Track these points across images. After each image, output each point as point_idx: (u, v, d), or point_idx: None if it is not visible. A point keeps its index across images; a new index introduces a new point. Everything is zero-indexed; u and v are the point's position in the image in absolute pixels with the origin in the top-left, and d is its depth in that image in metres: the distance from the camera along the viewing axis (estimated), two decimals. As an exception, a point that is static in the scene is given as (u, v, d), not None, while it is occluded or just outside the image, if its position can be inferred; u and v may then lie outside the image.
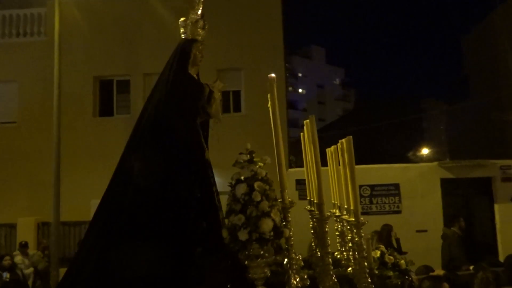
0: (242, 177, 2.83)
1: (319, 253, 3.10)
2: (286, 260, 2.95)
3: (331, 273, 2.83)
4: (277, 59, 12.95)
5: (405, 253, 7.65)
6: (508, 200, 10.66)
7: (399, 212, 10.84)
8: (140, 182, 2.98)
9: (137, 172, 3.01)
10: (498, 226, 10.65)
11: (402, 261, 3.13)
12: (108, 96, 13.32)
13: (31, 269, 9.70)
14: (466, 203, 10.99)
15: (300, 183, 11.21)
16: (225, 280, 2.74)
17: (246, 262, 2.74)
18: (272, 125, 3.08)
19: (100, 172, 12.47)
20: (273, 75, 3.13)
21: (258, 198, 2.70)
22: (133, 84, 13.18)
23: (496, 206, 10.86)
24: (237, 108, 13.28)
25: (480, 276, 3.47)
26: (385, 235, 7.98)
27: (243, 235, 2.68)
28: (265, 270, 2.75)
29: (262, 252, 2.73)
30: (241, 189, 2.74)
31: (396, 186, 11.03)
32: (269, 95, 3.27)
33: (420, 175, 11.14)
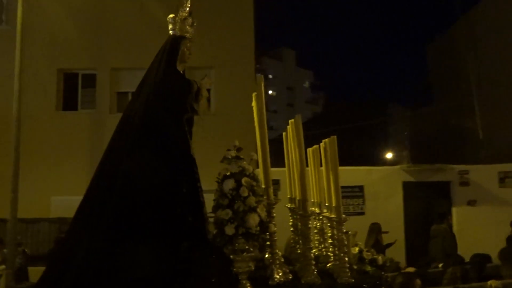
0: (229, 173, 2.86)
1: (299, 249, 3.17)
2: (267, 255, 3.02)
3: (313, 267, 2.91)
4: (248, 59, 13.01)
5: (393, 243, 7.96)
6: (465, 203, 11.18)
7: (362, 213, 11.13)
8: (129, 180, 2.95)
9: (126, 171, 2.97)
10: (455, 228, 11.11)
11: (379, 257, 3.25)
12: (72, 89, 12.95)
13: (2, 266, 9.30)
14: (426, 205, 11.42)
15: (266, 184, 11.37)
16: (210, 274, 2.76)
17: (231, 256, 2.77)
18: (257, 124, 3.12)
19: (61, 168, 12.23)
20: (260, 75, 3.19)
21: (246, 194, 2.75)
22: (100, 79, 12.88)
23: (454, 209, 11.35)
24: (206, 107, 13.23)
25: (450, 271, 3.66)
26: (375, 233, 8.33)
27: (230, 230, 2.72)
28: (250, 264, 2.79)
29: (247, 247, 2.78)
30: (229, 184, 2.77)
31: (361, 188, 11.32)
32: (254, 94, 3.32)
33: (383, 178, 11.49)
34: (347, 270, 2.85)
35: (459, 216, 11.23)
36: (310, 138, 3.92)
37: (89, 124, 12.57)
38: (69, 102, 12.93)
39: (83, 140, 12.44)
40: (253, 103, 3.44)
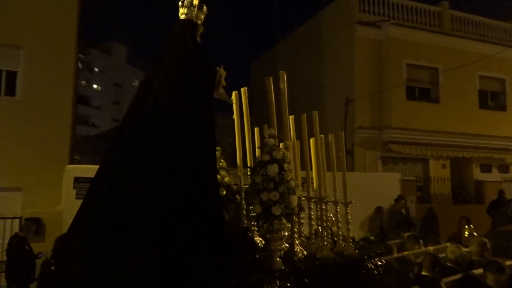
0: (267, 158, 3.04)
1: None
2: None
3: (326, 244, 3.35)
4: (67, 44, 11.71)
5: None
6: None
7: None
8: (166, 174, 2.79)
9: (163, 161, 2.80)
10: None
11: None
12: None
13: None
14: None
15: (79, 181, 10.35)
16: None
17: (268, 236, 2.97)
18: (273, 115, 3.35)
19: None
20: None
21: (289, 177, 3.00)
22: None
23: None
24: (11, 92, 11.32)
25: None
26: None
27: (277, 210, 2.92)
28: (283, 243, 3.04)
29: (282, 227, 3.02)
30: (275, 169, 2.96)
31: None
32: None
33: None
34: (352, 244, 3.39)
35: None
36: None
37: None
38: None
39: None
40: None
